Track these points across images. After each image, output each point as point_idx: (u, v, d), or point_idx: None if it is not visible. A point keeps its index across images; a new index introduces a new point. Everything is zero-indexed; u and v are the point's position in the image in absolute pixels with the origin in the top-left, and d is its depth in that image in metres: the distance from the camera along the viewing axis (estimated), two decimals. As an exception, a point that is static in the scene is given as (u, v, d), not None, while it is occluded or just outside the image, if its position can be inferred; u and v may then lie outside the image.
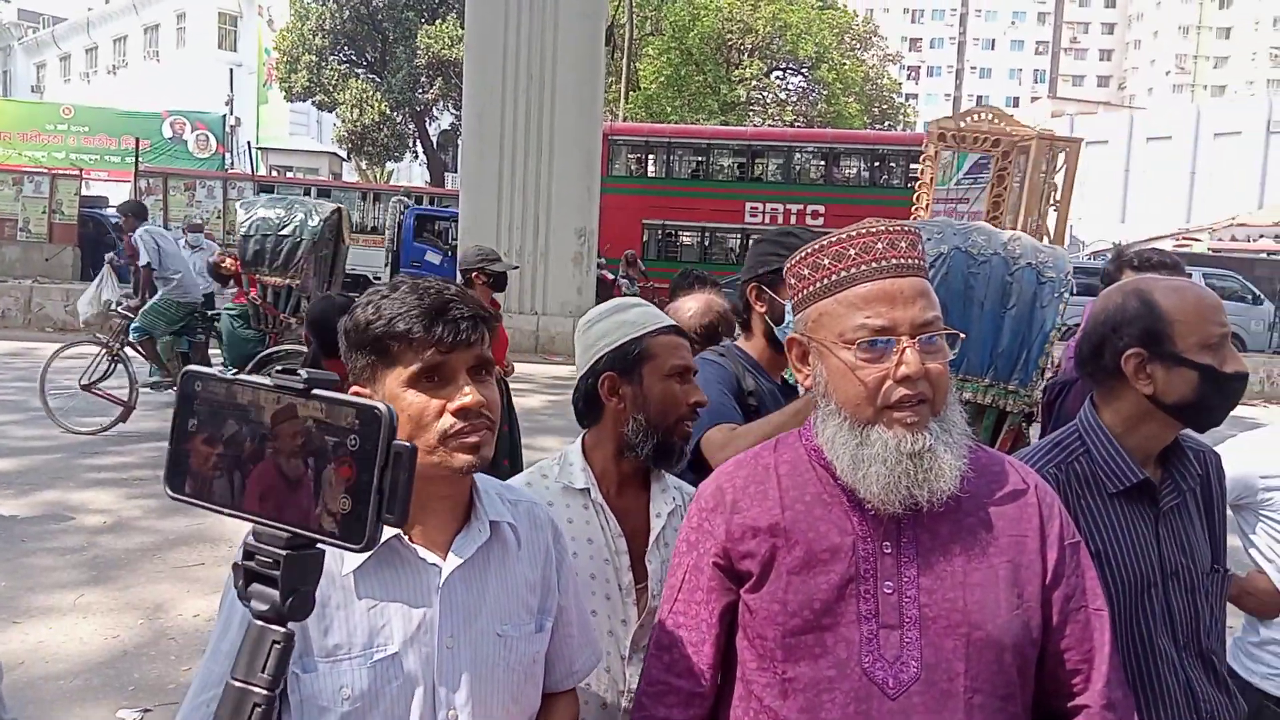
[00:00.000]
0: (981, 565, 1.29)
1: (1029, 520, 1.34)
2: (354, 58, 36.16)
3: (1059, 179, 8.33)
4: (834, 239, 1.34)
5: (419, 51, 33.02)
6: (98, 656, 4.07)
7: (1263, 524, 2.20)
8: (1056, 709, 1.35)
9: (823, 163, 23.13)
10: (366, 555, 1.22)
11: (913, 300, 1.28)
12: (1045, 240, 7.92)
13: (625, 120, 29.37)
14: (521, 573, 1.38)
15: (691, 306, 2.72)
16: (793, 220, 21.79)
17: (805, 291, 1.36)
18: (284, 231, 8.21)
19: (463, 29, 17.64)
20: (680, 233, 22.93)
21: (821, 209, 21.58)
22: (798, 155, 23.16)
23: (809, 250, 1.37)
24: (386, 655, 1.25)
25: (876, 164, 23.05)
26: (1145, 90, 79.58)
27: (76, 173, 21.93)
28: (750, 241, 2.42)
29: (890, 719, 1.25)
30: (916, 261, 1.32)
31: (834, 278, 1.32)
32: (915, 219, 8.39)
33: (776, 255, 2.24)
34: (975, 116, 8.15)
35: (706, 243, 22.80)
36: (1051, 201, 8.13)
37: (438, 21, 33.49)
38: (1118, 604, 1.56)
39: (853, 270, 1.30)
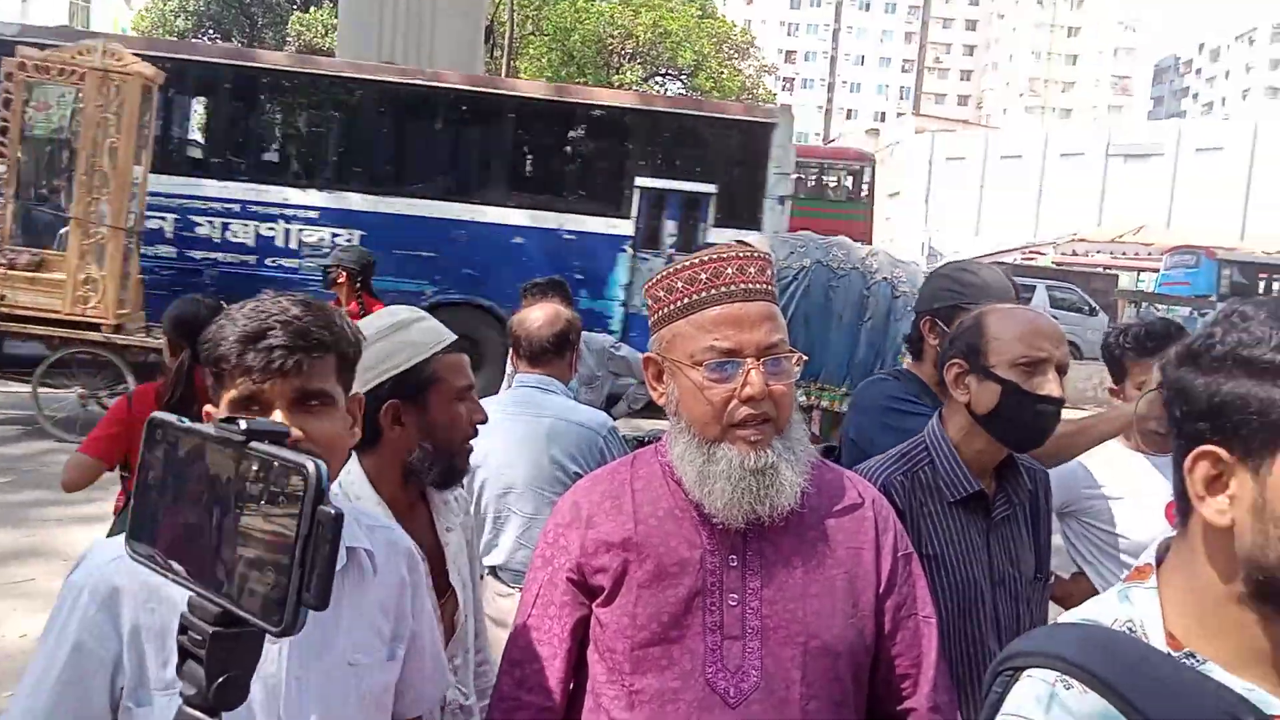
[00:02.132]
0: (820, 577, 1.36)
1: (865, 533, 1.41)
2: (219, 41, 34.55)
3: (123, 118, 7.51)
4: (687, 263, 1.39)
5: (289, 39, 31.83)
6: (-90, 683, 3.75)
7: (1085, 530, 2.36)
8: (887, 711, 1.42)
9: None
10: None
11: (759, 324, 1.33)
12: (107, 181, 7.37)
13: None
14: (377, 600, 1.36)
15: (538, 316, 2.70)
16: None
17: (661, 313, 1.40)
18: None
19: (337, 18, 17.12)
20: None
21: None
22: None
23: (665, 273, 1.42)
24: None
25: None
26: (1001, 110, 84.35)
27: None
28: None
29: None
30: (765, 286, 1.39)
31: (686, 300, 1.37)
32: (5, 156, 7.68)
33: (951, 291, 2.27)
34: (80, 52, 7.71)
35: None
36: (110, 138, 7.69)
37: (311, 9, 32.37)
38: (951, 606, 1.65)
39: (704, 294, 1.36)
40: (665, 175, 10.72)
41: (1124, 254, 28.69)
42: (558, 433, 2.50)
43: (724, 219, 10.52)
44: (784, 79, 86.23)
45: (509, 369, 3.14)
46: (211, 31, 34.10)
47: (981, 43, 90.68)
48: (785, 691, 1.30)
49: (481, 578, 2.18)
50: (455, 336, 1.77)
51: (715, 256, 1.38)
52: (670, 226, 10.63)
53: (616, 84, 34.76)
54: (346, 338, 1.28)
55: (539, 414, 2.54)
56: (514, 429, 2.50)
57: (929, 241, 39.32)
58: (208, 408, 1.26)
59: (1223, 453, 0.88)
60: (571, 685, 1.44)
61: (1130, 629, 0.94)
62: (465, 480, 2.59)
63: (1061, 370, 1.71)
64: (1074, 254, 30.03)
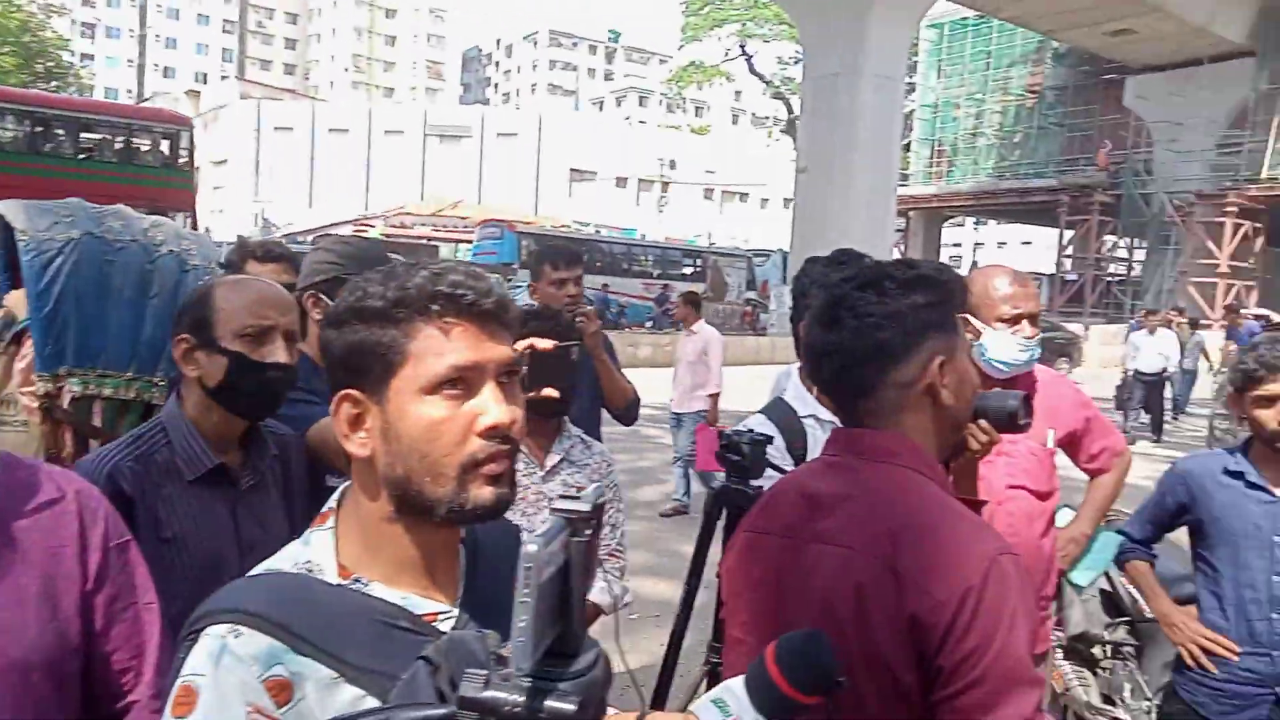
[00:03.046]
0: (9, 587, 1.23)
1: (67, 530, 1.30)
2: None
3: None
4: None
5: None
6: None
7: None
8: (110, 711, 1.33)
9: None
10: None
11: None
12: None
13: None
14: None
15: None
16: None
17: None
18: None
19: None
20: None
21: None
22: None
23: None
24: None
25: (39, 129, 20.33)
26: (328, 83, 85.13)
27: None
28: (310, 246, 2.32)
29: None
30: None
31: None
32: None
33: (331, 264, 2.15)
34: None
35: None
36: None
37: None
38: (195, 584, 1.61)
39: None
40: None
41: (444, 226, 31.49)
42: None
43: None
44: (84, 25, 75.48)
45: None
46: None
47: (304, 12, 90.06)
48: None
49: None
50: None
51: None
52: None
53: None
54: None
55: None
56: None
57: (262, 213, 38.25)
58: None
59: (357, 394, 1.01)
60: None
61: (309, 569, 1.03)
62: None
63: (290, 338, 1.76)
64: (401, 226, 31.99)
